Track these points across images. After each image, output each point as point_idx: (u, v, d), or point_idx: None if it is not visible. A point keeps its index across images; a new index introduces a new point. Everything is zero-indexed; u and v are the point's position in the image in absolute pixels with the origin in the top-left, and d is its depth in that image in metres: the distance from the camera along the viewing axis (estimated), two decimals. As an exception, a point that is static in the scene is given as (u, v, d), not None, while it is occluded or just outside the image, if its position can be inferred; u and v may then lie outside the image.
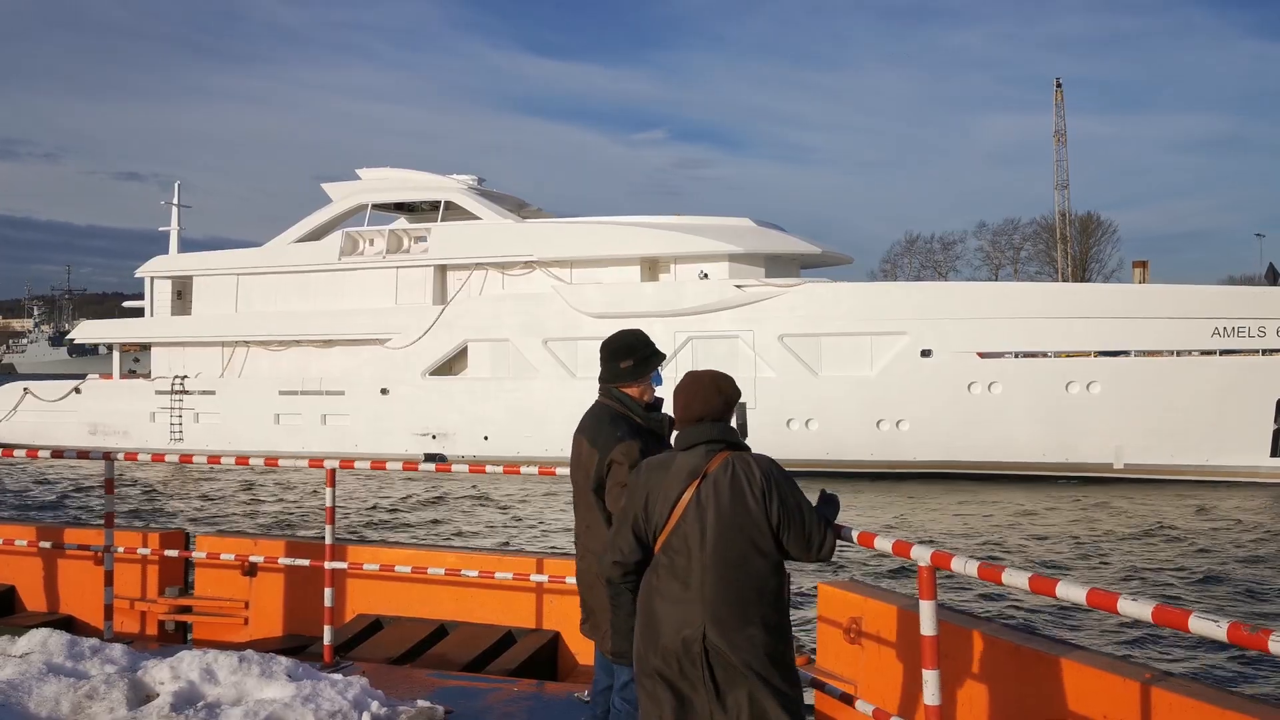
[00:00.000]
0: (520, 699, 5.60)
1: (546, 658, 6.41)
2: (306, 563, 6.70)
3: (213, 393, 32.88)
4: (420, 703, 5.06)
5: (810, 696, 4.53)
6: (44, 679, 4.93)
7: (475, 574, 6.49)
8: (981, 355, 24.88)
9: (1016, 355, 24.74)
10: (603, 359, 4.42)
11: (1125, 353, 24.14)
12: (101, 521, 6.89)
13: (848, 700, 4.39)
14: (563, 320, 28.61)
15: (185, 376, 33.37)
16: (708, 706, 3.37)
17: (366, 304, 31.19)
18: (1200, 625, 2.71)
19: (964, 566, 3.50)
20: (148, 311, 35.77)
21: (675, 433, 3.66)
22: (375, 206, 32.80)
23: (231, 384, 32.75)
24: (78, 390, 35.06)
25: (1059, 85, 78.07)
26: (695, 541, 3.42)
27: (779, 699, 3.34)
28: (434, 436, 29.10)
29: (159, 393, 33.60)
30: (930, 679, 3.61)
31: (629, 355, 4.38)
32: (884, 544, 3.89)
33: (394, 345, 30.31)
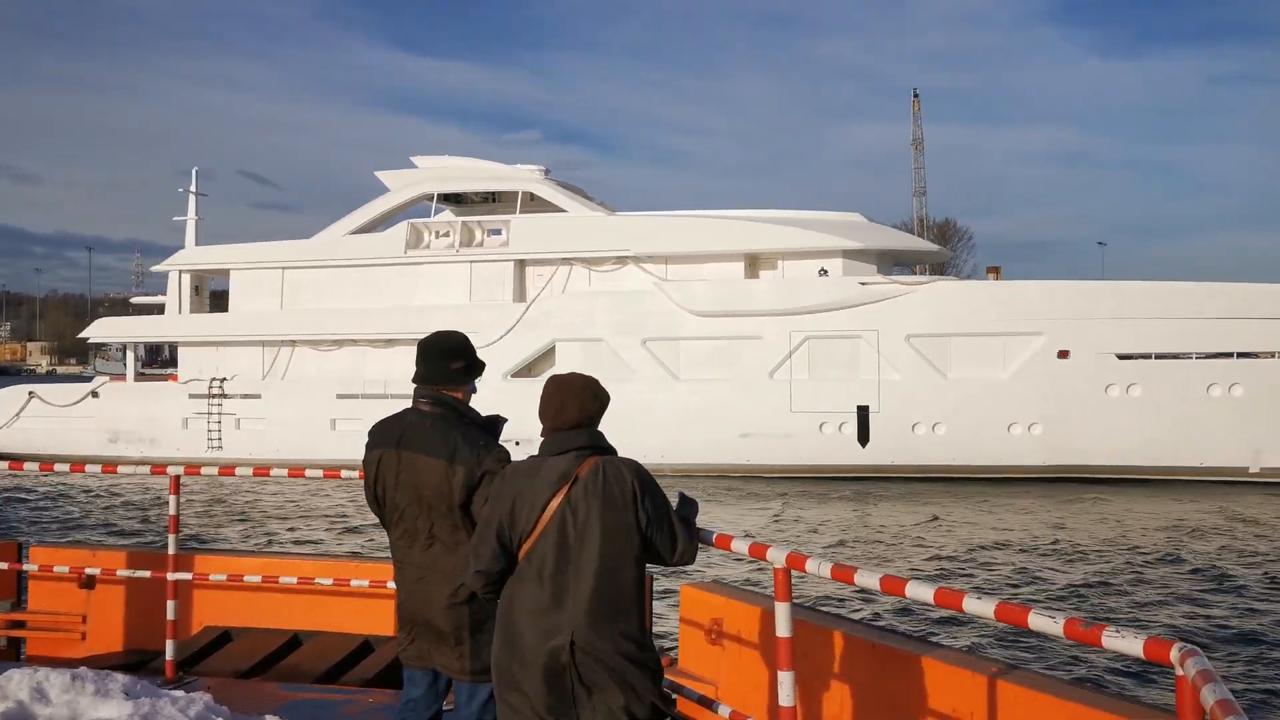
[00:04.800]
0: (376, 710, 5.70)
1: None
2: (147, 574, 6.74)
3: (258, 396, 32.33)
4: (269, 717, 5.16)
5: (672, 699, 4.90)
6: None
7: (330, 582, 6.63)
8: (1121, 357, 25.81)
9: (1157, 357, 25.72)
10: (430, 358, 4.37)
11: (1270, 354, 25.29)
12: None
13: (707, 703, 4.60)
14: (664, 319, 28.91)
15: (224, 379, 32.65)
16: (574, 716, 3.48)
17: (436, 300, 31.00)
18: (1039, 622, 2.95)
19: (818, 568, 3.72)
20: (174, 308, 34.95)
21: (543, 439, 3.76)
22: (441, 197, 32.67)
23: (280, 387, 32.27)
24: (95, 394, 34.08)
25: (916, 95, 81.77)
26: (564, 548, 3.53)
27: (647, 704, 3.51)
28: (518, 443, 28.85)
29: (193, 396, 32.83)
30: (785, 680, 3.83)
31: (461, 356, 4.39)
32: (740, 546, 4.10)
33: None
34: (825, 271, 28.35)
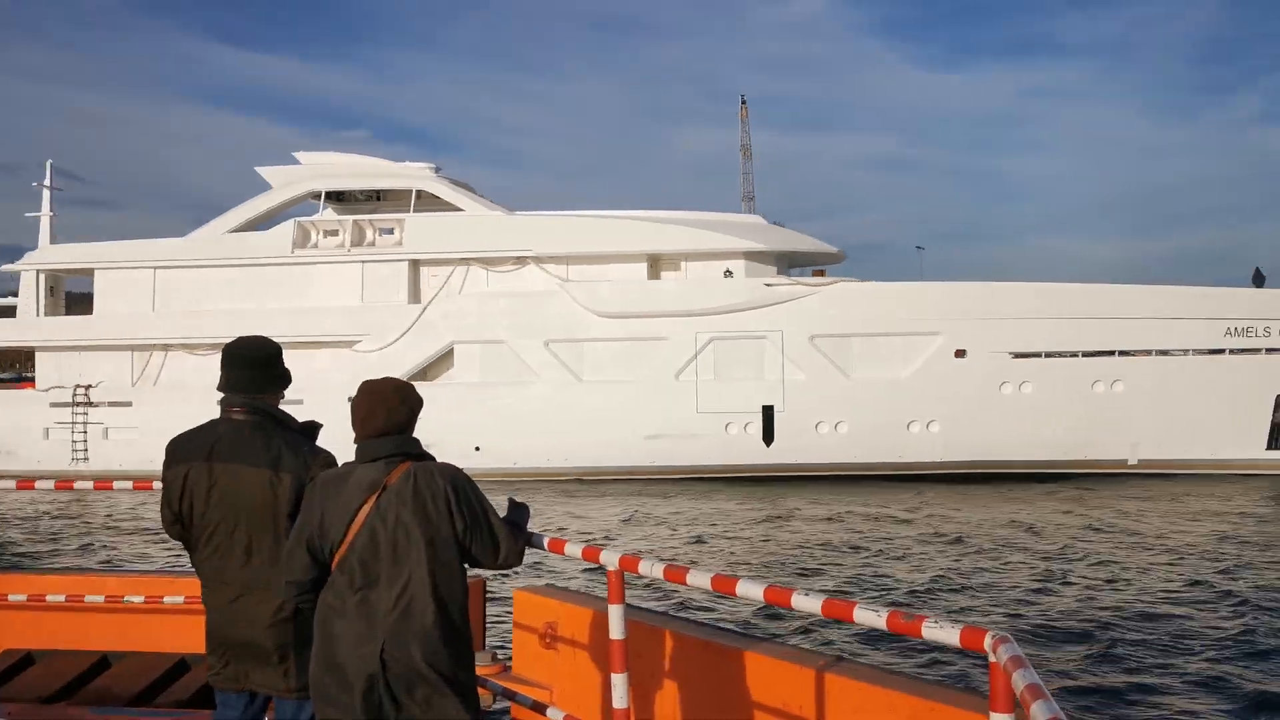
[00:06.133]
0: None
1: None
2: None
3: (128, 404, 30.61)
4: None
5: (505, 706, 5.32)
6: None
7: (141, 599, 6.42)
8: (1014, 355, 27.06)
9: (1048, 355, 27.07)
10: (249, 365, 4.25)
11: (1147, 352, 26.95)
12: None
13: (539, 708, 4.67)
14: (567, 320, 28.79)
15: (90, 385, 30.80)
16: None
17: (326, 302, 30.05)
18: (863, 616, 3.08)
19: (651, 569, 3.82)
20: (28, 310, 32.75)
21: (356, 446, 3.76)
22: (329, 195, 31.67)
23: (153, 394, 30.66)
24: (-58, 404, 31.57)
25: (744, 102, 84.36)
26: (374, 557, 3.53)
27: (460, 712, 3.53)
28: (415, 448, 28.32)
29: (55, 405, 30.83)
30: (619, 682, 3.93)
31: (279, 363, 4.33)
32: (574, 550, 4.19)
33: (365, 348, 29.47)
34: (731, 273, 28.74)
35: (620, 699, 3.89)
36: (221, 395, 4.22)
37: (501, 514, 3.87)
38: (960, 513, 21.90)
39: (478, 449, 28.32)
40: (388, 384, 3.78)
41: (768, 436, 27.99)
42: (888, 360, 27.60)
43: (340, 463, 3.87)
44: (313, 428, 4.29)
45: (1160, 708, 9.64)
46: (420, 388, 24.34)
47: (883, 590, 14.51)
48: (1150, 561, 16.46)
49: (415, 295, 30.35)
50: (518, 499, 4.08)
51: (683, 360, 28.22)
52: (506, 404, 28.63)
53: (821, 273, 30.32)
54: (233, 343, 4.30)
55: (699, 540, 19.20)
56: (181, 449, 4.16)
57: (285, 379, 4.31)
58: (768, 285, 28.09)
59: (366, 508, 3.55)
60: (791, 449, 27.86)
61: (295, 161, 32.56)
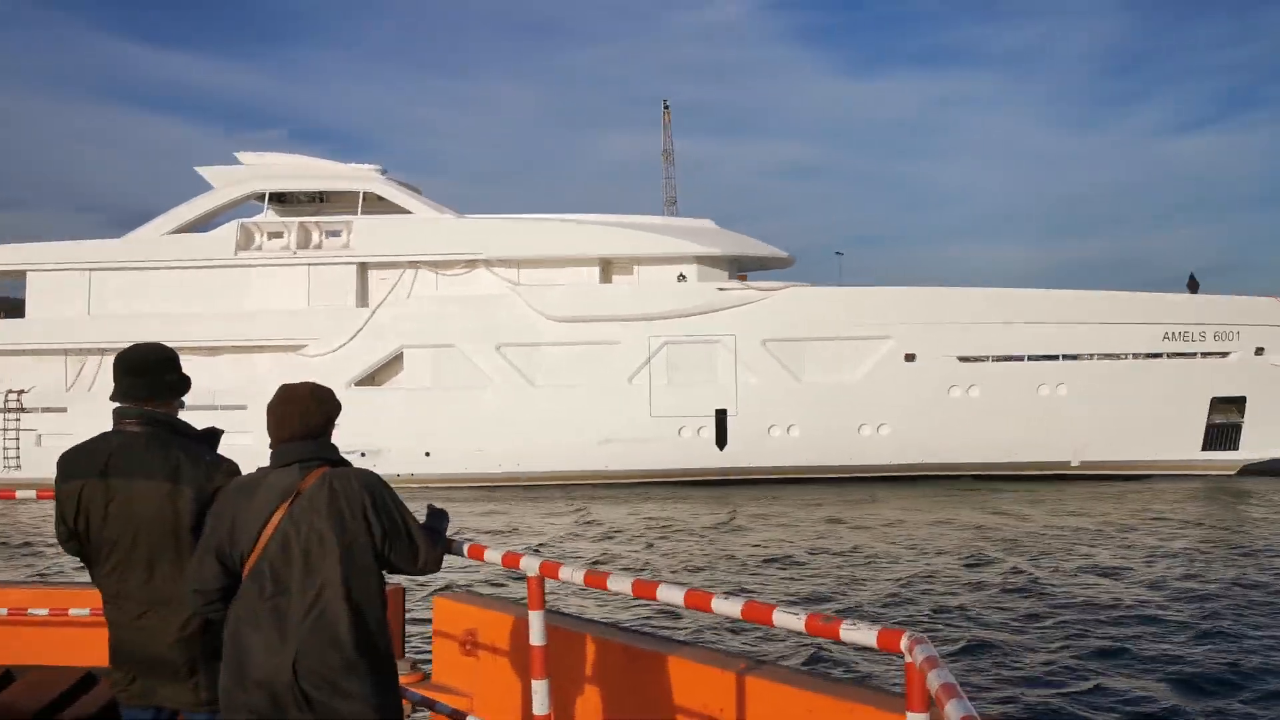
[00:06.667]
0: None
1: None
2: None
3: (62, 410, 29.70)
4: None
5: (425, 715, 5.18)
6: None
7: (46, 612, 6.29)
8: (962, 359, 27.57)
9: (994, 359, 27.64)
10: (138, 372, 4.07)
11: (1088, 356, 27.67)
12: None
13: (460, 716, 4.68)
14: (519, 324, 28.69)
15: (22, 391, 29.87)
16: None
17: (271, 304, 29.51)
18: (782, 619, 3.10)
19: (571, 575, 3.82)
20: (-43, 314, 31.68)
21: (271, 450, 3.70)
22: (272, 196, 31.12)
23: (89, 399, 29.68)
24: None
25: (666, 107, 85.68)
26: (287, 565, 3.47)
27: None
28: (363, 454, 27.93)
29: (-15, 411, 29.83)
30: (539, 688, 3.97)
31: (173, 368, 4.17)
32: (494, 556, 4.15)
33: (311, 352, 28.99)
34: (684, 277, 28.86)
35: (541, 705, 3.90)
36: (115, 406, 4.04)
37: (421, 520, 3.81)
38: (909, 514, 22.27)
39: (428, 454, 28.07)
40: (304, 388, 3.71)
41: (721, 440, 28.16)
42: (839, 364, 27.96)
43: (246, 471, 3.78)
44: (213, 435, 4.11)
45: (1103, 695, 9.87)
46: (369, 392, 23.99)
47: (833, 593, 14.68)
48: (1090, 561, 16.89)
49: (363, 298, 29.98)
50: (437, 505, 4.03)
51: (635, 364, 28.26)
52: (457, 409, 28.39)
53: (743, 277, 30.44)
54: (124, 350, 4.10)
55: (649, 545, 19.22)
56: (74, 464, 3.95)
57: (182, 385, 4.10)
58: (720, 289, 28.28)
59: (279, 514, 3.46)
60: (744, 452, 28.06)
61: (236, 161, 31.97)
